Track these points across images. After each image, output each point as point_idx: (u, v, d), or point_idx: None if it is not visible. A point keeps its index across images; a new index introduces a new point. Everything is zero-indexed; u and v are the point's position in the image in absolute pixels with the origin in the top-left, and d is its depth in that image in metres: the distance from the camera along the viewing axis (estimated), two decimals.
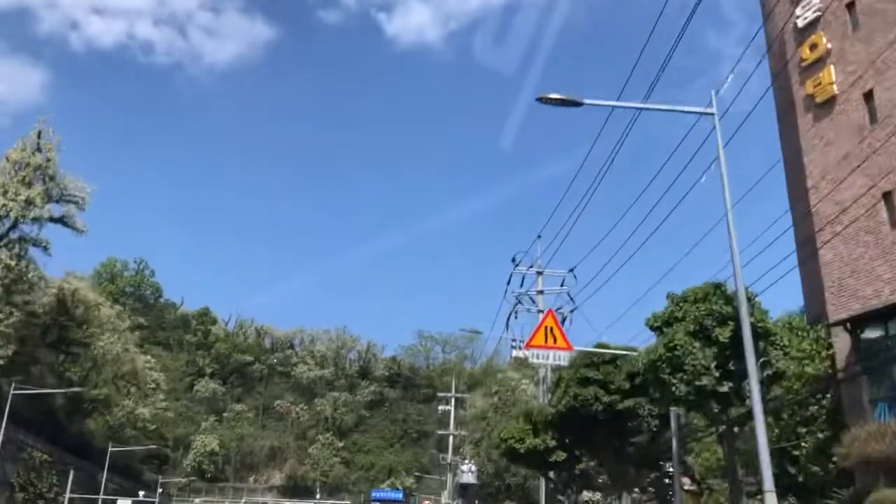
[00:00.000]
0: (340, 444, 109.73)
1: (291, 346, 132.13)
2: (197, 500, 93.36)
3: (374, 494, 69.96)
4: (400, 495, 71.63)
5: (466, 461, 46.32)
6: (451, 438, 51.39)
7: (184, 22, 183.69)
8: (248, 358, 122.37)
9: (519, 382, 56.23)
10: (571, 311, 29.06)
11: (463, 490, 45.50)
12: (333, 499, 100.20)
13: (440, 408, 51.95)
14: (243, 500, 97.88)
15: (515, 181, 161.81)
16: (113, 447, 53.22)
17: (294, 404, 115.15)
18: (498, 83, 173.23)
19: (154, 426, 76.53)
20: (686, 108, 14.90)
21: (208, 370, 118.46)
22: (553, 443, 22.04)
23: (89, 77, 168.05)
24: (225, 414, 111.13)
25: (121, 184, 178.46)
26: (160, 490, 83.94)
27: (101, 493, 51.10)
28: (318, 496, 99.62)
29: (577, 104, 14.86)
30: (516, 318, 29.81)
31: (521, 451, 21.99)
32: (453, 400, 50.85)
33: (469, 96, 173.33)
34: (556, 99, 15.99)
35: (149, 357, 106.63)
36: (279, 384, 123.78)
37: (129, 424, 72.22)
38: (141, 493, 54.76)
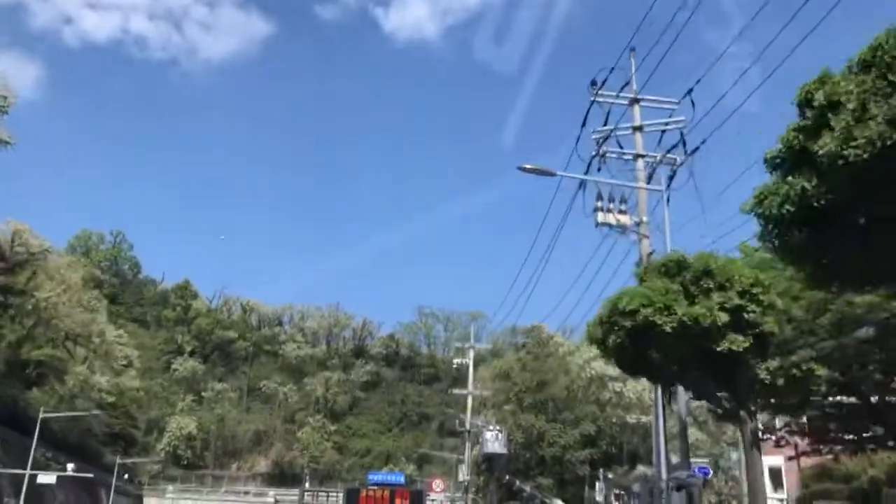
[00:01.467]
0: (333, 428, 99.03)
1: (280, 324, 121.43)
2: (170, 487, 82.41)
3: (371, 478, 59.26)
4: (401, 478, 60.85)
5: (492, 427, 35.65)
6: (468, 399, 40.70)
7: (179, 17, 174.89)
8: (232, 334, 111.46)
9: (550, 336, 45.64)
10: (687, 158, 18.48)
11: (488, 462, 34.88)
12: (325, 487, 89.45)
13: (455, 361, 41.20)
14: (223, 489, 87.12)
15: (517, 175, 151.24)
16: (45, 414, 42.49)
17: (282, 385, 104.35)
18: (496, 77, 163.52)
19: (113, 398, 65.58)
20: None
21: (188, 348, 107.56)
22: (725, 316, 11.45)
23: (84, 72, 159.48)
24: (204, 393, 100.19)
25: (113, 171, 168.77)
26: (125, 475, 73.17)
27: (29, 467, 40.43)
28: (306, 484, 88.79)
29: None
30: (599, 169, 19.16)
31: (667, 329, 11.33)
32: (472, 352, 40.22)
33: (467, 91, 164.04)
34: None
35: (121, 331, 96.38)
36: (266, 364, 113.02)
37: (82, 395, 61.23)
38: (70, 465, 43.79)
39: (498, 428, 34.69)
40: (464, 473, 39.94)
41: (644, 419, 40.61)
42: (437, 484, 43.24)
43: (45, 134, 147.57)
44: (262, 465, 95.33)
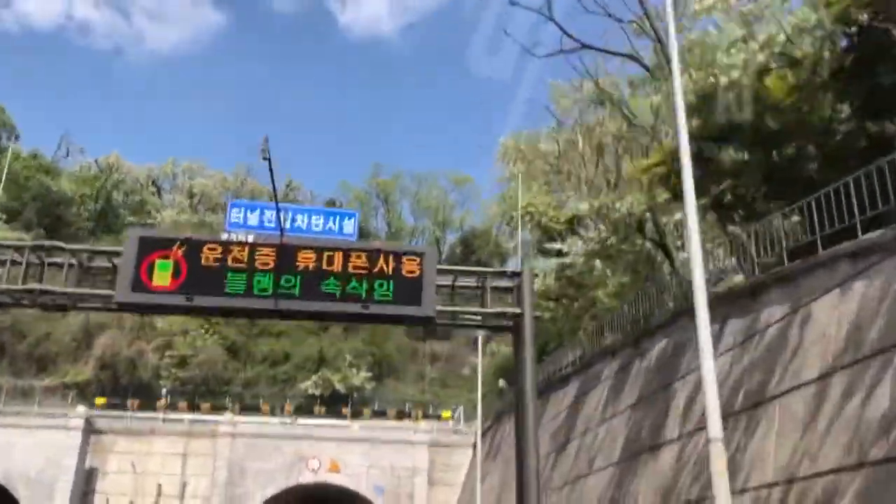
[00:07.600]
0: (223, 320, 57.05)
1: (156, 187, 78.74)
2: None
3: (236, 223, 15.96)
4: (350, 221, 19.18)
5: None
6: None
7: (127, 4, 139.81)
8: (66, 186, 68.53)
9: None
10: None
11: None
12: (203, 411, 47.71)
13: None
14: None
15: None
16: None
17: None
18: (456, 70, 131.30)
19: None
20: None
21: None
22: None
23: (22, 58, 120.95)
24: None
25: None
26: None
27: None
28: (164, 397, 47.11)
29: None
30: None
31: None
32: None
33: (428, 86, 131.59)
34: None
35: None
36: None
37: None
38: None
39: None
40: None
41: None
42: None
43: None
44: (90, 373, 52.67)
